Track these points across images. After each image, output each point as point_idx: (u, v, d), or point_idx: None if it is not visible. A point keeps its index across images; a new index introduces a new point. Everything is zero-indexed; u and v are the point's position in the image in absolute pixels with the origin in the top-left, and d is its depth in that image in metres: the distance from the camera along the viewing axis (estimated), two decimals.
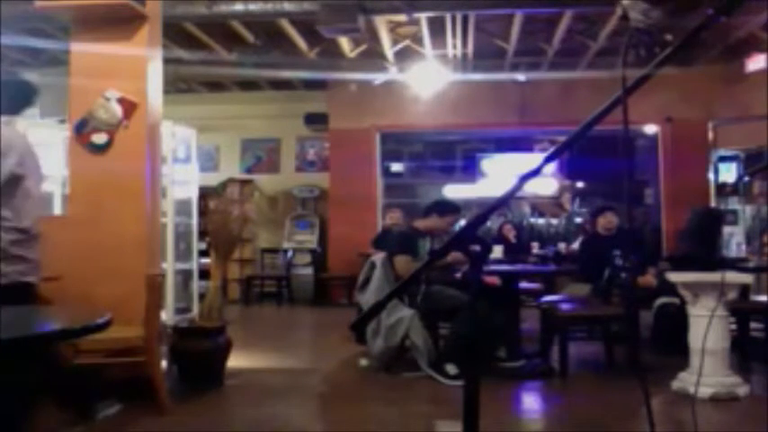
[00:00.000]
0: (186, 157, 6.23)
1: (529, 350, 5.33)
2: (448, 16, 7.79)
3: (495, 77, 9.51)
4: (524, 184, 1.40)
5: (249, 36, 8.34)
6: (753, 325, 5.52)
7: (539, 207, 13.35)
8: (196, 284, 6.09)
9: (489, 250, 6.88)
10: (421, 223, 5.42)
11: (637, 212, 10.54)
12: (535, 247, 10.01)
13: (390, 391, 4.66)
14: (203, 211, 6.45)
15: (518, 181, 1.38)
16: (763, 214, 8.80)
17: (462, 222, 6.40)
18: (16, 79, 3.16)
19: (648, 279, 5.76)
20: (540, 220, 13.18)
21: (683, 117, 9.59)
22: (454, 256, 4.76)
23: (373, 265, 5.25)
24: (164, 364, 4.38)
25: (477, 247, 1.38)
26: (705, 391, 4.01)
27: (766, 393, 4.45)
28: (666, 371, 4.40)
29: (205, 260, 6.12)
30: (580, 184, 13.40)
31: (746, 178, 9.21)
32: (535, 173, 1.38)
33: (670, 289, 4.79)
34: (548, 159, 1.41)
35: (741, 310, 5.22)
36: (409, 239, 5.29)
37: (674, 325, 4.78)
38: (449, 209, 5.49)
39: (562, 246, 10.42)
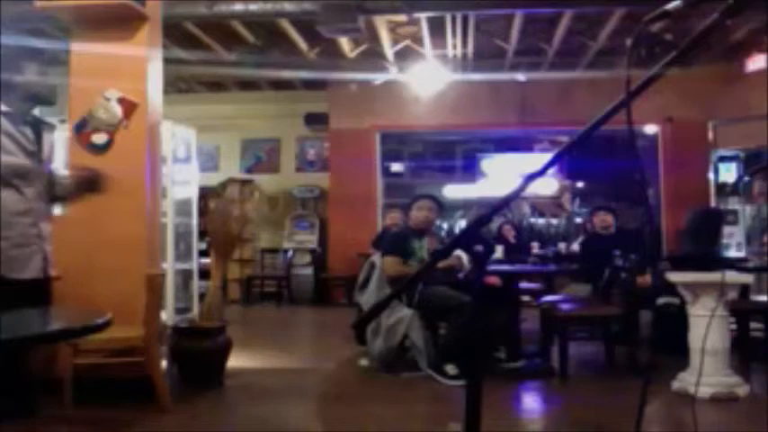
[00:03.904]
0: (186, 157, 6.22)
1: (529, 350, 5.33)
2: (448, 16, 7.78)
3: (495, 77, 9.50)
4: (530, 184, 1.39)
5: (249, 36, 8.34)
6: (753, 325, 5.52)
7: (539, 207, 13.35)
8: (196, 284, 6.08)
9: (492, 250, 6.88)
10: (411, 221, 5.47)
11: (637, 212, 10.54)
12: (535, 248, 9.99)
13: (390, 391, 4.65)
14: (203, 211, 6.45)
15: (524, 181, 1.38)
16: (763, 214, 8.78)
17: (463, 222, 6.40)
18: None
19: (647, 279, 5.75)
20: (540, 220, 13.19)
21: (683, 117, 9.59)
22: (447, 261, 4.75)
23: (373, 266, 5.25)
24: (164, 364, 4.37)
25: (480, 247, 1.37)
26: (705, 391, 4.01)
27: (766, 393, 4.45)
28: (666, 371, 4.40)
29: (205, 260, 6.11)
30: (580, 184, 13.40)
31: (746, 178, 9.20)
32: (542, 172, 1.38)
33: (670, 289, 4.78)
34: (558, 157, 1.40)
35: (741, 310, 5.22)
36: (400, 240, 5.29)
37: (674, 325, 4.78)
38: (411, 201, 5.51)
39: (562, 246, 10.42)
